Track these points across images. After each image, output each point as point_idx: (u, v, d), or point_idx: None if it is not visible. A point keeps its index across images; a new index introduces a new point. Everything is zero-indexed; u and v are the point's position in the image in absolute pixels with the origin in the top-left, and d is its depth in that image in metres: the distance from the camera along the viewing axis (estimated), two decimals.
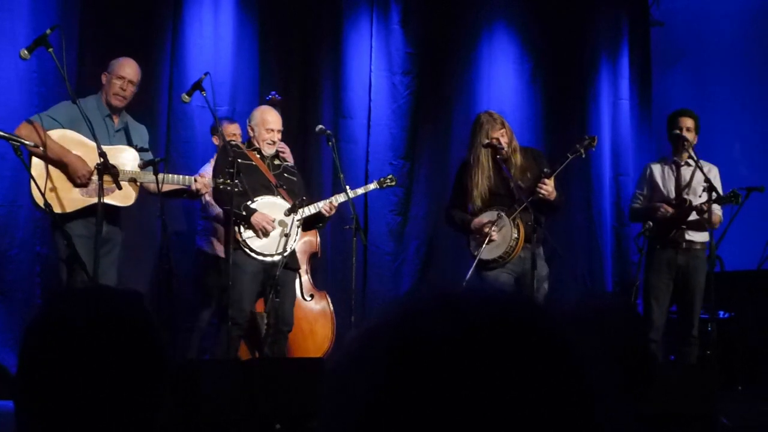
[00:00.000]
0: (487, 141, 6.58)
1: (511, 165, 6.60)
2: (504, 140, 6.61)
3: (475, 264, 6.46)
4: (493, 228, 6.47)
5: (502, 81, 9.24)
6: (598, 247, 9.26)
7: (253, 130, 6.61)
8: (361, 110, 8.65)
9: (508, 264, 6.55)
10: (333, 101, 8.55)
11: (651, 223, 6.97)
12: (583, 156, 6.78)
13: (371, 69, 8.71)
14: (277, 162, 6.68)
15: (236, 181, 6.08)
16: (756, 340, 8.04)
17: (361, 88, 8.66)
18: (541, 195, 6.44)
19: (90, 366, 1.51)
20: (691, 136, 7.13)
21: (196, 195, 6.26)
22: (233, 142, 6.53)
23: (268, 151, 6.59)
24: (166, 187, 6.02)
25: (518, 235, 6.49)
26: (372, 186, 7.00)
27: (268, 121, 6.60)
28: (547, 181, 6.47)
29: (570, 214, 8.99)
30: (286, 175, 6.69)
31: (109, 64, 6.23)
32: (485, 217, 6.56)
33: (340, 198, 6.70)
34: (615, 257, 9.30)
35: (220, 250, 6.93)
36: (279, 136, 6.65)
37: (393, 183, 7.12)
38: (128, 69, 6.19)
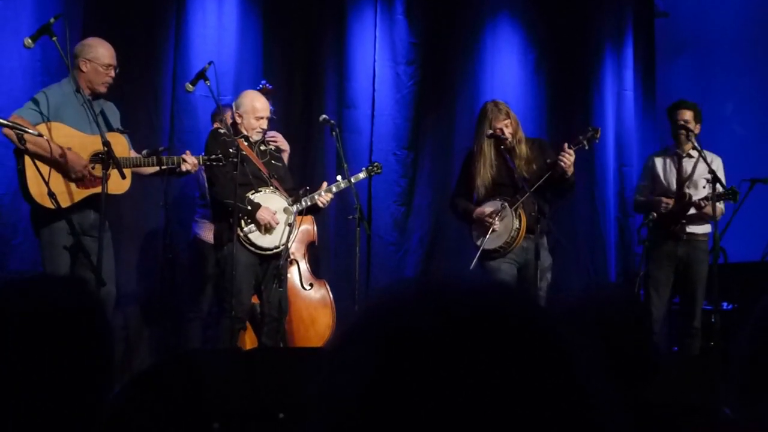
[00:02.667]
0: (490, 132, 6.58)
1: (515, 155, 6.58)
2: (508, 130, 6.60)
3: (478, 254, 6.46)
4: (495, 218, 6.47)
5: (505, 71, 9.22)
6: (601, 238, 9.25)
7: (241, 117, 6.51)
8: (365, 100, 8.64)
9: (510, 254, 6.55)
10: (337, 91, 8.53)
11: (654, 214, 6.97)
12: (587, 148, 6.77)
13: (375, 59, 8.69)
14: (263, 148, 6.62)
15: (230, 161, 6.05)
16: None
17: (365, 78, 8.65)
18: (561, 164, 6.40)
19: (22, 358, 1.47)
20: (691, 128, 7.13)
21: (186, 174, 6.23)
22: (221, 131, 6.47)
23: (255, 137, 6.54)
24: (151, 169, 6.01)
25: (519, 225, 6.49)
26: (361, 175, 6.95)
27: (258, 109, 6.53)
28: (571, 150, 6.44)
29: (573, 205, 8.97)
30: (273, 161, 6.65)
31: (82, 48, 6.11)
32: (488, 207, 6.56)
33: (334, 189, 6.68)
34: (618, 248, 9.29)
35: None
36: (267, 123, 6.61)
37: (379, 170, 7.09)
38: (111, 54, 6.12)
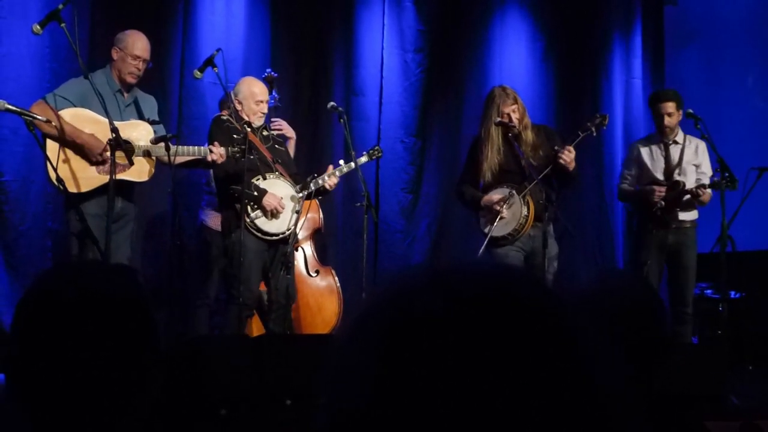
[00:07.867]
0: (498, 119, 6.56)
1: (522, 142, 6.57)
2: (515, 116, 6.59)
3: (486, 241, 6.46)
4: (504, 205, 6.47)
5: (514, 59, 9.20)
6: (609, 226, 9.25)
7: (240, 103, 6.53)
8: (373, 88, 8.63)
9: (517, 242, 6.55)
10: (345, 78, 8.53)
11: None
12: (594, 134, 6.76)
13: (383, 46, 8.69)
14: (265, 133, 6.64)
15: (250, 156, 6.08)
16: (767, 321, 8.02)
17: (373, 65, 8.64)
18: (561, 162, 6.41)
19: (79, 341, 1.50)
20: (673, 120, 7.12)
21: (212, 165, 6.25)
22: (224, 117, 6.48)
23: (257, 123, 6.56)
24: (180, 159, 6.05)
25: (528, 212, 6.49)
26: (363, 159, 6.92)
27: (256, 93, 6.55)
28: (570, 148, 6.44)
29: (581, 193, 8.97)
30: (276, 146, 6.67)
31: (118, 37, 6.21)
32: (496, 194, 6.56)
33: (337, 173, 6.67)
34: (626, 236, 9.28)
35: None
36: (266, 107, 6.62)
37: (380, 154, 7.07)
38: (141, 46, 6.18)
